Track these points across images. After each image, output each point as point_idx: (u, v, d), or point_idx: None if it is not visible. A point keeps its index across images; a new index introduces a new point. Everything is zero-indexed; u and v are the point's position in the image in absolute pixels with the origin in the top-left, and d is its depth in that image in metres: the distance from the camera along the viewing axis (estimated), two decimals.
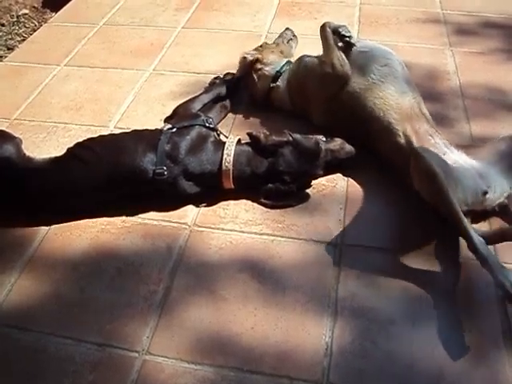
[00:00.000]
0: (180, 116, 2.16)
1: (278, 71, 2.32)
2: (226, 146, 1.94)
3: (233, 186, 1.93)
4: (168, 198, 1.92)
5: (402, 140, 1.93)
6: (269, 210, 1.93)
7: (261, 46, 2.47)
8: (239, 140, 1.99)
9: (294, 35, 2.58)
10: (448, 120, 2.29)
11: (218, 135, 2.05)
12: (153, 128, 2.04)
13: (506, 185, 1.84)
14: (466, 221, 1.67)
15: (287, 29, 2.60)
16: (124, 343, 1.56)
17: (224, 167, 1.90)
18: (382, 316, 1.60)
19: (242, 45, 2.85)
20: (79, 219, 1.92)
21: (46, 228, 1.89)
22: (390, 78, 2.07)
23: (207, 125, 2.02)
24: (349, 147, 2.02)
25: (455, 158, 1.86)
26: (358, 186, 2.01)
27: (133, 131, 2.04)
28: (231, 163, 1.90)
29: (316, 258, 1.77)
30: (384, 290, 1.67)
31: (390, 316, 1.60)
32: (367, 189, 1.99)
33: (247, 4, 3.28)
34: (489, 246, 1.66)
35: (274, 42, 2.53)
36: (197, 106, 2.23)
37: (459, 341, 1.53)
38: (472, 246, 1.64)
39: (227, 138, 2.02)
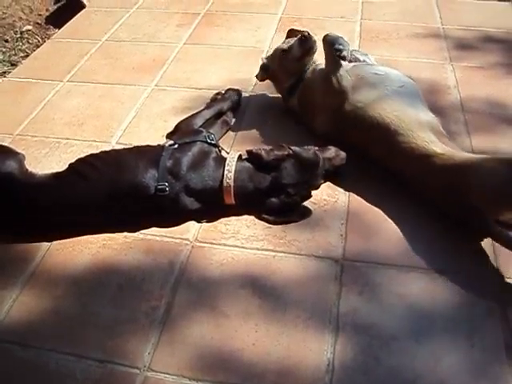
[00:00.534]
0: (182, 132, 2.16)
1: (291, 84, 2.37)
2: (227, 162, 1.94)
3: (234, 202, 1.93)
4: (169, 214, 1.91)
5: (428, 145, 1.92)
6: (270, 225, 1.93)
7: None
8: (240, 156, 1.99)
9: (309, 47, 2.30)
10: (449, 134, 2.27)
11: (220, 151, 2.05)
12: (155, 144, 2.04)
13: None
14: None
15: (304, 39, 2.30)
16: (125, 359, 1.55)
17: (225, 183, 1.90)
18: (384, 332, 1.60)
19: (243, 60, 2.88)
20: (80, 235, 1.92)
21: (48, 243, 1.90)
22: (406, 96, 2.10)
23: (209, 141, 2.02)
24: (343, 154, 2.05)
25: None
26: (359, 201, 2.01)
27: (135, 147, 2.05)
28: (232, 179, 1.90)
29: (317, 273, 1.77)
30: (386, 306, 1.67)
31: (392, 332, 1.59)
32: (368, 204, 1.99)
33: (249, 20, 3.30)
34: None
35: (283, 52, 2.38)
36: (198, 121, 2.23)
37: (461, 356, 1.53)
38: None
39: (228, 153, 2.03)
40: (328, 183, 2.08)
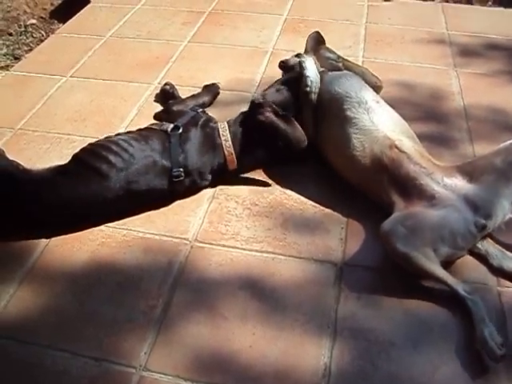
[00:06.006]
0: (175, 114, 2.24)
1: None
2: (221, 132, 2.07)
3: (236, 167, 2.08)
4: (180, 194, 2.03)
5: (385, 195, 1.88)
6: (270, 227, 1.93)
7: None
8: (228, 122, 2.14)
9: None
10: (452, 141, 2.29)
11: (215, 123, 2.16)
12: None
13: (506, 204, 1.78)
14: (449, 278, 1.67)
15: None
16: (122, 358, 1.54)
17: (226, 153, 2.05)
18: (382, 337, 1.59)
19: (247, 60, 2.87)
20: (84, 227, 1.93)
21: (47, 240, 1.89)
22: (353, 129, 1.96)
23: (204, 116, 2.16)
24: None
25: (446, 194, 1.79)
26: (359, 205, 1.99)
27: (139, 135, 2.02)
28: (232, 148, 2.06)
29: (316, 277, 1.77)
30: (385, 312, 1.66)
31: (390, 337, 1.59)
32: (368, 208, 1.97)
33: (254, 20, 3.29)
34: None
35: None
36: (189, 103, 2.35)
37: (459, 364, 1.52)
38: (458, 298, 1.64)
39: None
40: (328, 188, 2.07)
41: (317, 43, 2.45)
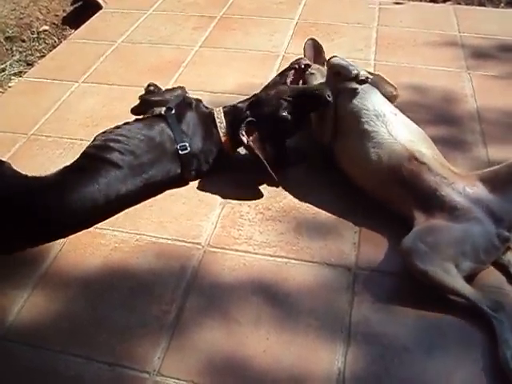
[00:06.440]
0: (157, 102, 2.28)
1: None
2: (216, 116, 2.14)
3: (230, 146, 2.12)
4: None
5: (404, 208, 1.84)
6: (283, 232, 1.92)
7: None
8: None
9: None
10: (465, 144, 2.27)
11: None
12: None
13: None
14: (472, 294, 1.63)
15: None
16: (135, 363, 1.55)
17: (221, 134, 2.11)
18: (396, 342, 1.58)
19: (259, 65, 2.87)
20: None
21: (60, 245, 1.90)
22: (371, 142, 1.93)
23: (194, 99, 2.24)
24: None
25: (468, 205, 1.74)
26: (372, 209, 1.98)
27: (138, 127, 2.09)
28: (225, 130, 2.11)
29: (330, 281, 1.76)
30: (398, 316, 1.65)
31: (404, 343, 1.58)
32: (381, 212, 1.96)
33: (265, 24, 3.30)
34: None
35: None
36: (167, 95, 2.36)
37: (474, 369, 1.51)
38: (482, 315, 1.60)
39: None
40: (341, 193, 2.06)
41: (315, 51, 2.43)
